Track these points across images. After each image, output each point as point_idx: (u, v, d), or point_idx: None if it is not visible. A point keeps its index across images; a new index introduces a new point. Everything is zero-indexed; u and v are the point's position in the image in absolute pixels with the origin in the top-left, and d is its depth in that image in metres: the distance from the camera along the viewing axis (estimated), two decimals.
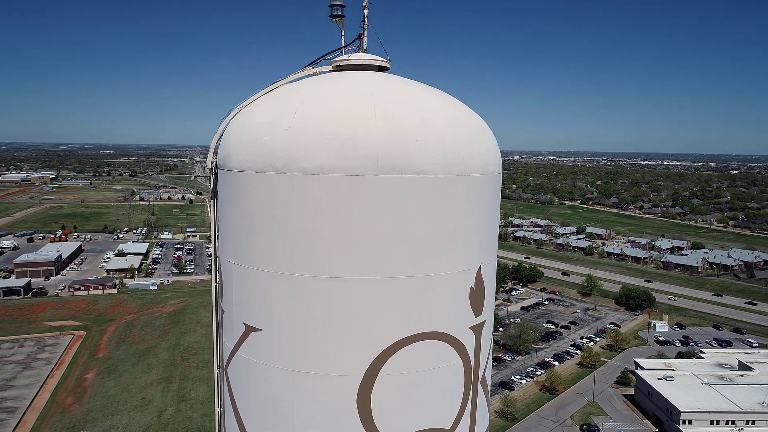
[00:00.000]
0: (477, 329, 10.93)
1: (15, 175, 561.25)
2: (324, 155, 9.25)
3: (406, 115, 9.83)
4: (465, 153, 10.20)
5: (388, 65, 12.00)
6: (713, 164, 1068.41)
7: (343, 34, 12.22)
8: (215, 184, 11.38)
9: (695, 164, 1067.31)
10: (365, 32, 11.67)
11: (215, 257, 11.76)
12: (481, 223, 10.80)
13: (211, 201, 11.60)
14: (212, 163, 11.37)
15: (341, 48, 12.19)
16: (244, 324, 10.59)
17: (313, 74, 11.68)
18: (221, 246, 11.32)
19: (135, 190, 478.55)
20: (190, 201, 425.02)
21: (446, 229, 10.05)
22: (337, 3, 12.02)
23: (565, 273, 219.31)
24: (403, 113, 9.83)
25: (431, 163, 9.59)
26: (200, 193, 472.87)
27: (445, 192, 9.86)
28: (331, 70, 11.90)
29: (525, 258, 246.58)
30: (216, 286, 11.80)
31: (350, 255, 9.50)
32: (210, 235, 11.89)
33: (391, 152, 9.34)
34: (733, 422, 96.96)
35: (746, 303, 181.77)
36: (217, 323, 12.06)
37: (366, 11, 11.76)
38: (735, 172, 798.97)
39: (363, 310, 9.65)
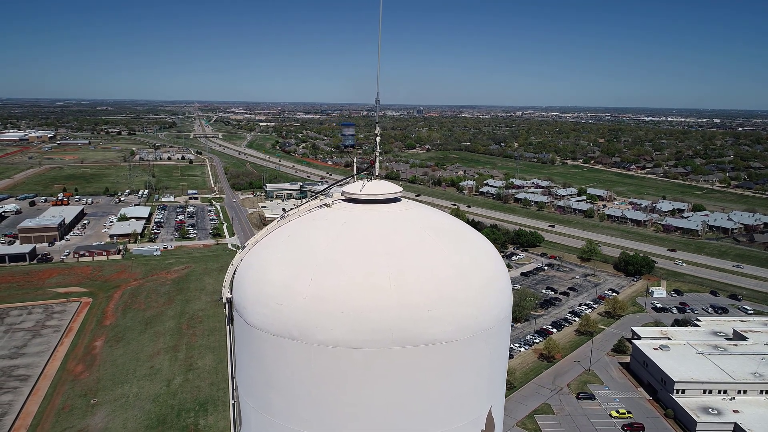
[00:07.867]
0: None
1: (13, 135, 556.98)
2: (339, 329, 9.43)
3: (419, 280, 9.87)
4: (478, 312, 10.30)
5: (398, 196, 11.99)
6: (718, 120, 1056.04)
7: (355, 161, 12.19)
8: (231, 313, 11.59)
9: (700, 120, 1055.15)
10: (377, 159, 11.62)
11: (232, 378, 12.06)
12: (491, 370, 11.01)
13: (227, 326, 11.83)
14: (228, 298, 11.54)
15: (353, 176, 12.17)
16: None
17: (326, 205, 11.65)
18: (239, 381, 11.60)
19: (134, 150, 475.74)
20: (190, 161, 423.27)
21: (458, 388, 10.29)
22: (348, 134, 11.96)
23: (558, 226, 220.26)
24: (415, 278, 9.88)
25: (444, 331, 9.75)
26: (200, 153, 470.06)
27: (458, 354, 10.05)
28: (343, 200, 11.85)
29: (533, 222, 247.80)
30: (234, 405, 12.17)
31: (365, 419, 9.82)
32: (227, 354, 12.16)
33: (404, 324, 9.48)
34: (725, 392, 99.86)
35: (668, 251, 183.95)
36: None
37: (378, 138, 11.68)
38: (740, 129, 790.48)
39: None
